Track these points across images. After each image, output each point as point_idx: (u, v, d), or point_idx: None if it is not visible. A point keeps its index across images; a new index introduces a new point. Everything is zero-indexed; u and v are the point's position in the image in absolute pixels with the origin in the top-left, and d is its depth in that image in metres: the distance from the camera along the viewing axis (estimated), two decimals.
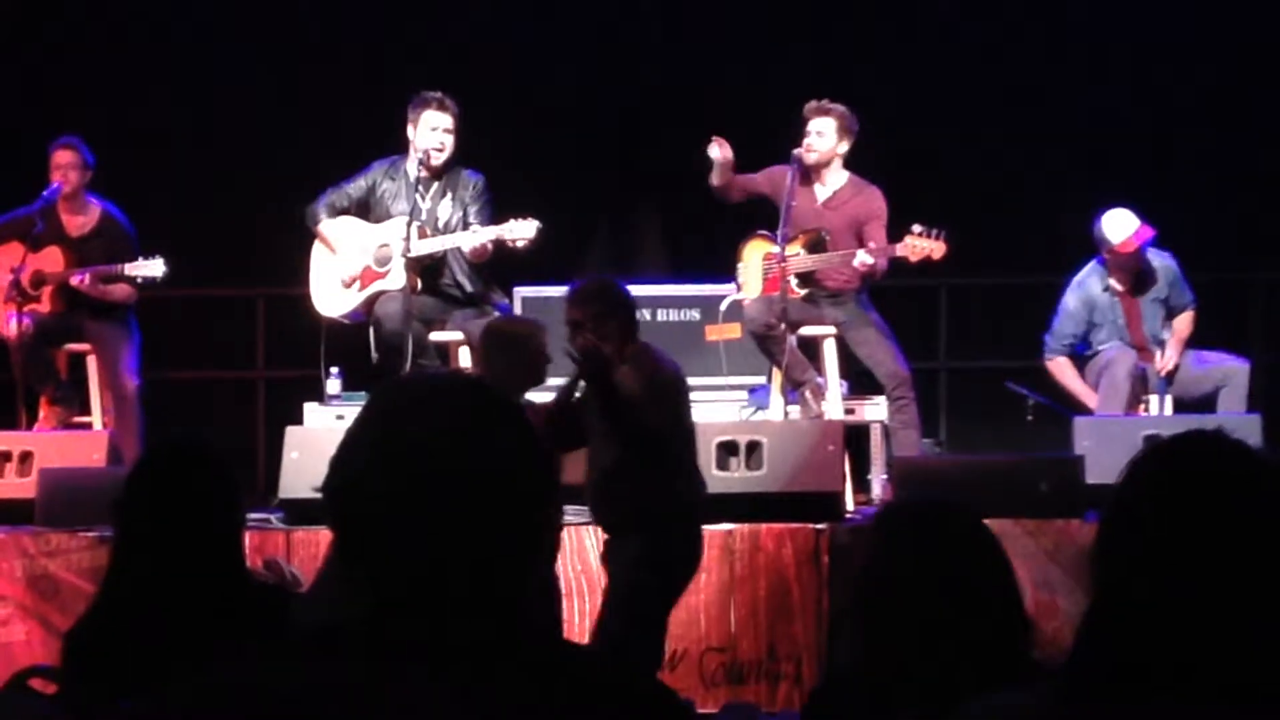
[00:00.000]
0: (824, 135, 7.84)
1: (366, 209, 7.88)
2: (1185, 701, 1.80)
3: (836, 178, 7.93)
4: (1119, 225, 8.02)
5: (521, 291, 8.63)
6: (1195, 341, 8.21)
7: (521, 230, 7.44)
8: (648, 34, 10.08)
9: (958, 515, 2.71)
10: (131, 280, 8.14)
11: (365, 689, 1.72)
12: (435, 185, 7.80)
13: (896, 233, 7.58)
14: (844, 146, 7.89)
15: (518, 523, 1.81)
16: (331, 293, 7.91)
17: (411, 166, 7.75)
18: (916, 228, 7.45)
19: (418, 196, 7.74)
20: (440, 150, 7.71)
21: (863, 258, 7.51)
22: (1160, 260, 8.22)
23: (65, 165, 8.20)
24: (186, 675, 1.76)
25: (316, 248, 7.98)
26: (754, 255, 8.01)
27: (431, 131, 7.72)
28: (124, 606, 3.45)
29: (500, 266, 7.85)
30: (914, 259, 7.45)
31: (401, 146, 7.83)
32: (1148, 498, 1.87)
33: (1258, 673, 1.80)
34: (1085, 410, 7.94)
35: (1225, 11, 9.73)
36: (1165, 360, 8.06)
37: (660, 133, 9.96)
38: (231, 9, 9.99)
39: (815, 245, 7.81)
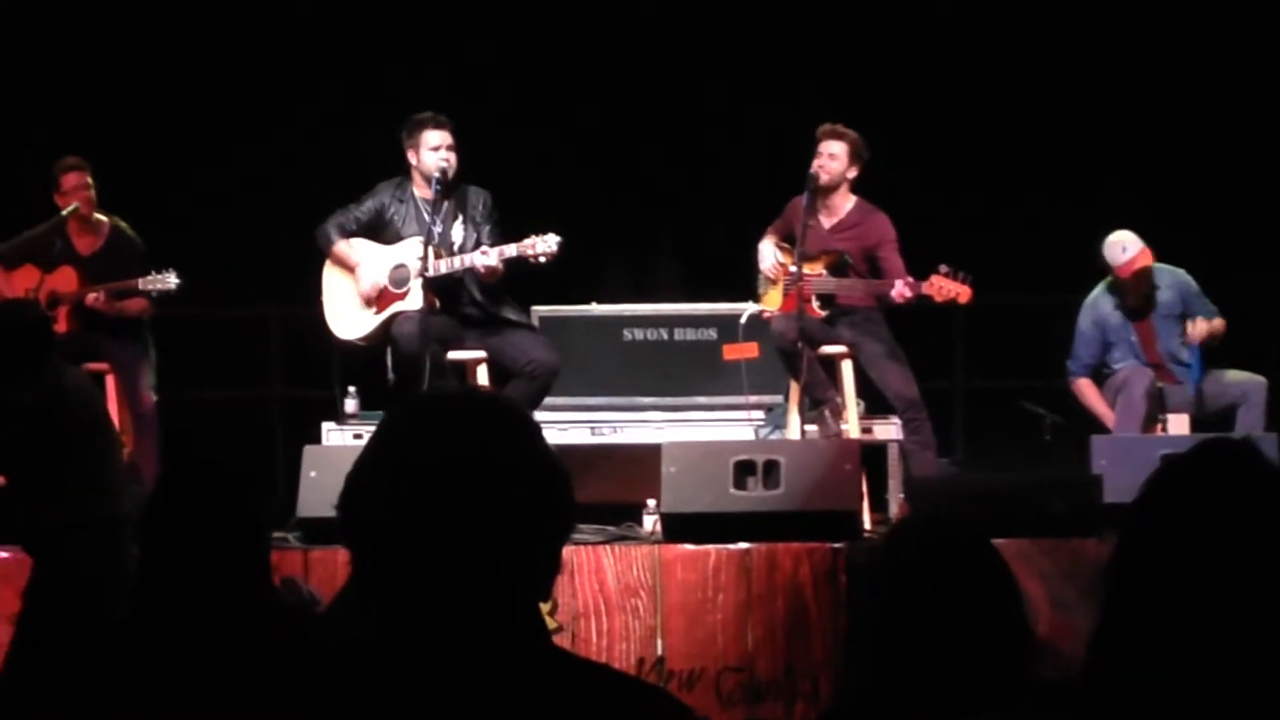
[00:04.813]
0: (836, 157, 7.87)
1: (375, 231, 7.81)
2: (1195, 716, 1.80)
3: (843, 203, 7.95)
4: (1120, 248, 8.05)
5: (540, 310, 8.61)
6: (1214, 360, 8.20)
7: (543, 246, 7.42)
8: (663, 53, 10.08)
9: (967, 538, 2.71)
10: (146, 294, 8.16)
11: (380, 702, 1.72)
12: (445, 206, 7.74)
13: (920, 269, 7.59)
14: (853, 172, 7.91)
15: (532, 538, 1.81)
16: (347, 315, 7.86)
17: (418, 189, 7.75)
18: (943, 268, 7.48)
19: (429, 220, 7.71)
20: (448, 166, 7.64)
21: (900, 289, 7.52)
22: (1174, 276, 8.21)
23: (77, 187, 8.24)
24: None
25: (328, 270, 7.92)
26: (769, 251, 7.99)
27: (434, 150, 7.65)
28: (147, 626, 3.45)
29: (517, 285, 7.84)
30: (939, 299, 7.48)
31: (405, 170, 7.81)
32: (1166, 508, 1.87)
33: (1269, 689, 1.80)
34: (1108, 430, 7.93)
35: (1234, 25, 9.73)
36: (1195, 329, 8.03)
37: (676, 151, 9.97)
38: (245, 27, 10.01)
39: (838, 268, 7.83)
